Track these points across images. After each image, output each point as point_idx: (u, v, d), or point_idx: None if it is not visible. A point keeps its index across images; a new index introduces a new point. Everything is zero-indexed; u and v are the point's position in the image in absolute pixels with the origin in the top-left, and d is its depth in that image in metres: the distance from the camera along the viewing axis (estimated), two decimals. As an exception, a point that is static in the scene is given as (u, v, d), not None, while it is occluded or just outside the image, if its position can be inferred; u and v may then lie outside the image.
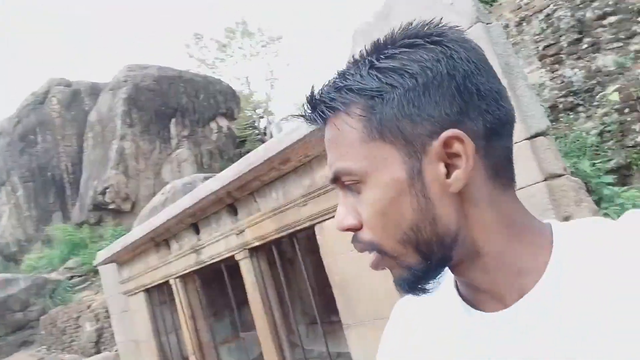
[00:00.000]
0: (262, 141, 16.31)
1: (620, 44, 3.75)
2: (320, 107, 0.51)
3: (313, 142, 3.23)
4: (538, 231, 0.50)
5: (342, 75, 0.51)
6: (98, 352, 7.62)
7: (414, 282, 0.50)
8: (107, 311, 7.53)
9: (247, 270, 4.12)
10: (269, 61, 20.62)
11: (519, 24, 4.22)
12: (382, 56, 0.48)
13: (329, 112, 0.50)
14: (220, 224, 4.40)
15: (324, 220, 3.35)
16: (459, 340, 0.52)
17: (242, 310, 5.10)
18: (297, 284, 6.36)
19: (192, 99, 13.90)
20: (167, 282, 5.15)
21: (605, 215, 2.51)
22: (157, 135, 12.74)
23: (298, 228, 3.57)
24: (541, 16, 4.21)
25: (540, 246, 0.48)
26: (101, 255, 6.17)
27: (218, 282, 5.40)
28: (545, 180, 2.27)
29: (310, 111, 0.52)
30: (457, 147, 0.46)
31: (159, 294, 5.46)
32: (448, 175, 0.47)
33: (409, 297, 0.62)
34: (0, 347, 9.29)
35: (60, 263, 11.21)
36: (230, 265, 4.45)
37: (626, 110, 3.50)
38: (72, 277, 10.54)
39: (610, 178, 2.98)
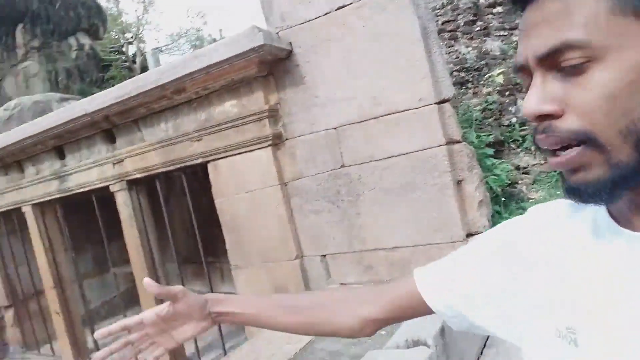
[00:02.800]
0: (130, 69, 14.75)
1: (505, 32, 4.20)
2: None
3: (215, 74, 3.03)
4: None
5: None
6: None
7: (609, 185, 0.45)
8: None
9: (124, 202, 3.80)
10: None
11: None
12: None
13: None
14: (93, 151, 3.94)
15: (219, 158, 3.22)
16: (601, 254, 0.51)
17: (108, 246, 4.72)
18: (172, 222, 6.08)
19: (45, 6, 11.82)
20: (17, 209, 4.50)
21: (486, 183, 2.87)
22: (-1, 40, 10.67)
23: (189, 163, 3.37)
24: (442, -8, 4.50)
25: None
26: None
27: (79, 214, 4.89)
28: (446, 144, 2.48)
29: None
30: None
31: (6, 222, 4.75)
32: None
33: (553, 205, 0.60)
34: None
35: None
36: (97, 197, 4.05)
37: (506, 93, 4.00)
38: None
39: (491, 150, 3.41)
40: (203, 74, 3.01)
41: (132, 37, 16.40)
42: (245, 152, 3.10)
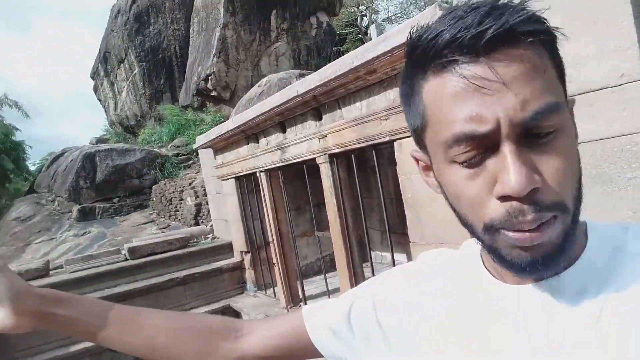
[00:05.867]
0: (362, 41, 15.64)
1: None
2: (524, 27, 0.40)
3: (399, 55, 3.07)
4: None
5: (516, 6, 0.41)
6: (197, 224, 8.62)
7: (563, 249, 0.42)
8: (205, 189, 8.34)
9: (326, 174, 4.28)
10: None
11: None
12: (524, 7, 0.42)
13: (538, 35, 0.41)
14: (305, 126, 4.51)
15: (404, 137, 3.30)
16: (479, 304, 0.51)
17: (320, 210, 5.39)
18: (378, 192, 6.49)
19: (292, -11, 13.48)
20: (254, 174, 5.53)
21: None
22: (257, 26, 12.73)
23: (377, 141, 3.57)
24: None
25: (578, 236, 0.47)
26: (200, 140, 6.70)
27: (302, 180, 5.70)
28: None
29: (503, 29, 0.39)
30: (573, 110, 0.48)
31: (247, 183, 5.92)
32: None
33: (438, 254, 0.62)
34: (122, 206, 10.85)
35: (168, 140, 12.37)
36: (312, 166, 4.64)
37: None
38: (178, 155, 11.66)
39: None
40: (388, 56, 3.11)
41: (365, 9, 17.23)
42: (427, 131, 3.10)
